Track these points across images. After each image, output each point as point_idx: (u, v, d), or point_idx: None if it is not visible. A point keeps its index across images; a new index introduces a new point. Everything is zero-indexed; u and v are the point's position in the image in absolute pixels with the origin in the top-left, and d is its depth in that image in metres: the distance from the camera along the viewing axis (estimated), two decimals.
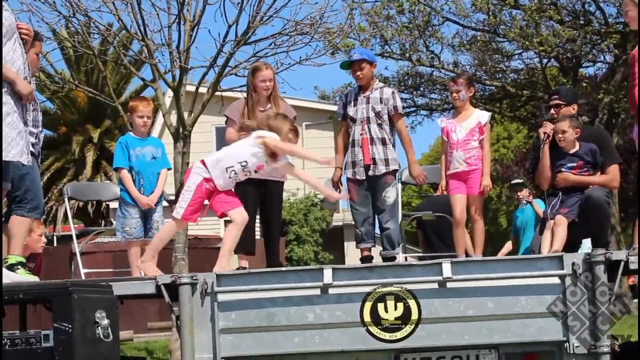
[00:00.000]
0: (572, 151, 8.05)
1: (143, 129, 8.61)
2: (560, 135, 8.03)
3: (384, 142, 8.63)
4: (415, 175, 8.99)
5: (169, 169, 8.80)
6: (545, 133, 8.20)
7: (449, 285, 5.92)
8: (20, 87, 6.14)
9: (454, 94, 8.54)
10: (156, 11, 12.77)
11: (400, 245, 9.07)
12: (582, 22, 20.80)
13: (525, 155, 25.67)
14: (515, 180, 13.14)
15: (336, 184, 9.00)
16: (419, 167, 9.24)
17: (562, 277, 5.90)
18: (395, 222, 8.79)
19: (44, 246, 8.63)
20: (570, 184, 7.93)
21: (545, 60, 21.60)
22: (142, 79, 15.04)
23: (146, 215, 8.45)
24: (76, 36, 13.72)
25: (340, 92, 23.11)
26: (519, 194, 12.41)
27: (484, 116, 8.55)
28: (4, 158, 6.02)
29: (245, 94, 8.94)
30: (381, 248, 8.85)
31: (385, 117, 8.68)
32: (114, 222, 14.41)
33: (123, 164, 8.38)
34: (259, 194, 8.55)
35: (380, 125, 8.65)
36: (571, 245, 7.77)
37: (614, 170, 8.10)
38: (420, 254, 12.19)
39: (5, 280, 6.09)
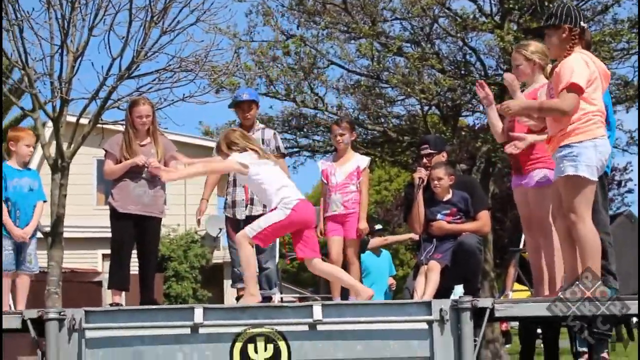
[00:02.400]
0: (445, 198, 8.22)
1: (28, 158, 8.50)
2: (436, 182, 8.18)
3: None
4: None
5: (44, 202, 8.65)
6: (420, 178, 8.36)
7: (319, 327, 5.97)
8: None
9: (338, 137, 8.65)
10: (39, 40, 12.62)
11: (277, 285, 9.09)
12: (462, 72, 21.25)
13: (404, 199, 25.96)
14: (378, 226, 13.28)
15: (201, 216, 9.06)
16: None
17: (429, 323, 6.02)
18: (273, 262, 8.85)
19: None
20: (445, 232, 8.09)
21: (426, 108, 21.98)
22: (22, 108, 14.77)
23: (19, 248, 8.27)
24: None
25: (223, 129, 23.04)
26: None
27: (363, 161, 8.68)
28: None
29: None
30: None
31: None
32: None
33: None
34: (136, 229, 8.49)
35: None
36: (444, 290, 7.91)
37: (484, 216, 8.28)
38: (299, 295, 12.19)
39: None
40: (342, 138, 8.62)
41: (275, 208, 7.08)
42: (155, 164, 8.40)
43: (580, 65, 6.37)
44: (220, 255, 26.13)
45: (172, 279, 24.24)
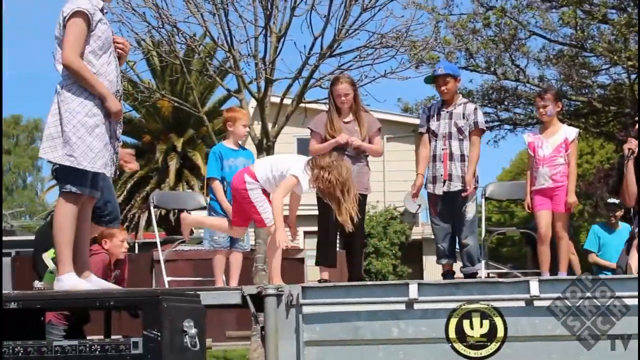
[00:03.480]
0: None
1: (244, 139, 8.74)
2: None
3: (462, 159, 8.54)
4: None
5: None
6: (629, 149, 8.08)
7: (536, 303, 5.85)
8: (110, 104, 6.21)
9: (541, 110, 8.47)
10: (243, 23, 12.90)
11: (482, 262, 8.95)
12: None
13: (608, 171, 25.27)
14: (612, 200, 12.78)
15: (417, 191, 8.87)
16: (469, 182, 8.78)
17: None
18: (474, 238, 8.68)
19: (125, 252, 8.76)
20: None
21: (633, 76, 21.26)
22: (227, 89, 15.20)
23: None
24: (162, 47, 13.95)
25: (423, 105, 23.05)
26: (615, 214, 12.01)
27: (571, 132, 8.46)
28: (91, 169, 6.13)
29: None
30: (461, 264, 8.76)
31: (467, 133, 8.59)
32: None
33: (216, 174, 8.47)
34: None
35: (461, 141, 8.55)
36: None
37: None
38: (502, 271, 11.99)
39: (93, 287, 6.23)
40: (545, 110, 8.43)
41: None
42: (357, 142, 8.41)
43: None
44: (419, 232, 26.17)
45: (372, 256, 24.46)
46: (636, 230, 7.89)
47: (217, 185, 8.46)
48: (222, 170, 8.48)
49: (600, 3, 20.21)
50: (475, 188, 8.66)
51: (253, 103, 14.42)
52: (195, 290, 6.04)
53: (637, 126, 8.37)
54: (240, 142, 8.78)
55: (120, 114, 6.39)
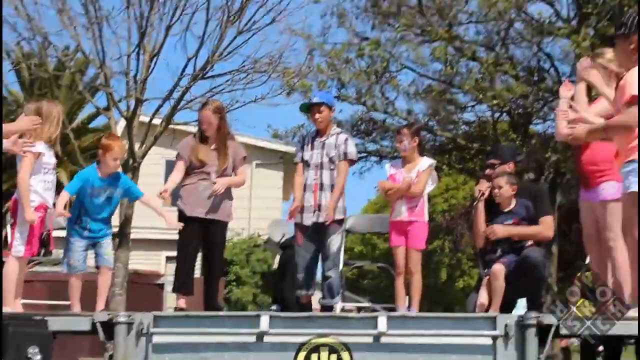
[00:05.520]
0: (507, 209, 7.99)
1: (113, 171, 8.22)
2: (496, 191, 7.95)
3: (333, 189, 8.57)
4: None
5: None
6: (479, 190, 8.20)
7: (383, 339, 5.95)
8: None
9: (397, 144, 8.59)
10: (116, 39, 12.77)
11: (339, 294, 9.00)
12: (536, 78, 21.04)
13: (468, 208, 25.79)
14: None
15: (292, 214, 8.53)
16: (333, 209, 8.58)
17: (494, 338, 5.97)
18: (336, 270, 8.66)
19: None
20: (502, 236, 7.81)
21: (497, 114, 21.83)
22: (97, 107, 15.00)
23: (95, 244, 8.12)
24: (32, 59, 13.71)
25: (293, 132, 23.15)
26: None
27: (424, 164, 8.49)
28: None
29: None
30: (320, 295, 8.78)
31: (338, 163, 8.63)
32: (53, 251, 14.14)
33: (70, 190, 8.12)
34: (203, 232, 8.50)
35: (332, 171, 8.49)
36: (506, 304, 7.76)
37: (546, 221, 7.92)
38: (360, 304, 12.02)
39: None
40: (401, 145, 8.53)
41: None
42: (220, 189, 8.38)
43: None
44: None
45: (233, 284, 24.26)
46: (484, 272, 7.99)
47: (61, 195, 8.03)
48: (83, 197, 8.12)
49: (471, 41, 20.73)
50: (343, 220, 8.69)
51: (123, 122, 14.27)
52: (45, 315, 5.93)
53: (488, 168, 8.51)
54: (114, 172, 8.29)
55: None
